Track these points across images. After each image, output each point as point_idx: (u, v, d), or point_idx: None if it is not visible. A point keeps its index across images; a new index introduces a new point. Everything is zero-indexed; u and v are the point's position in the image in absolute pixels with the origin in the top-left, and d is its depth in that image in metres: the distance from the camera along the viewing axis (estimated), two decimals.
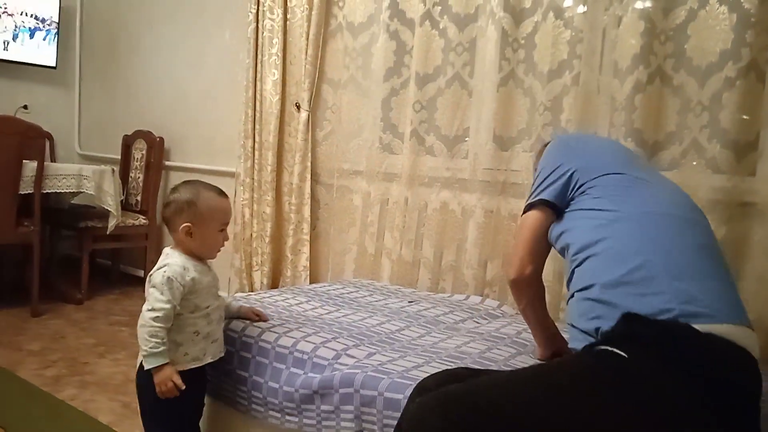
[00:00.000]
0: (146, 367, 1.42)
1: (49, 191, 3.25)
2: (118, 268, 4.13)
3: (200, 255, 1.53)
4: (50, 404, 2.10)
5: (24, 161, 3.06)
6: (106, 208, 3.45)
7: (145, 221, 3.77)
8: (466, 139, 2.54)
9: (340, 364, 1.52)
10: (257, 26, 3.12)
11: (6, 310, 3.19)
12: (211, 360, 1.56)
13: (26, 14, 4.11)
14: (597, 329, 1.14)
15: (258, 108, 3.14)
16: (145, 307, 1.44)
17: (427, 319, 1.95)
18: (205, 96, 3.70)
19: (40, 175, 3.12)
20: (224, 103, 3.56)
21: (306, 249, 3.02)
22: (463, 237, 2.50)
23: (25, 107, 4.14)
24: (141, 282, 3.88)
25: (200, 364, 1.53)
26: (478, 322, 1.99)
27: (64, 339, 2.80)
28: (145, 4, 4.04)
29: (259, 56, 3.13)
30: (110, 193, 3.44)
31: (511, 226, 2.38)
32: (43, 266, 3.43)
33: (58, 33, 4.25)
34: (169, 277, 1.43)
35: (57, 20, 4.23)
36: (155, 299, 1.43)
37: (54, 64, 4.29)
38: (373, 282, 2.60)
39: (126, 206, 3.84)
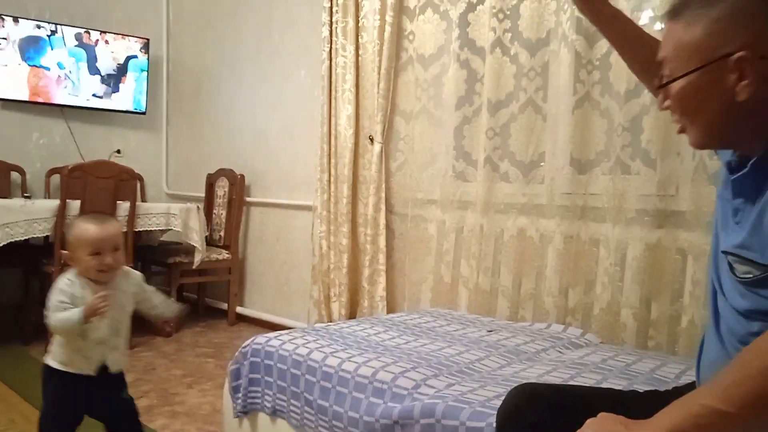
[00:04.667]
0: (77, 316, 1.58)
1: (140, 229, 3.45)
2: (204, 302, 4.30)
3: (88, 276, 1.67)
4: None
5: (118, 202, 3.26)
6: (192, 243, 3.61)
7: (228, 256, 3.91)
8: (542, 164, 2.50)
9: (420, 393, 1.51)
10: (330, 64, 3.22)
11: None
12: (77, 372, 1.65)
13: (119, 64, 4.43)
14: None
15: (333, 142, 3.22)
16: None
17: (508, 348, 1.91)
18: (283, 133, 3.84)
19: (132, 215, 3.31)
20: (301, 139, 3.67)
21: (382, 279, 3.03)
22: (542, 264, 2.44)
23: (119, 151, 4.43)
24: (225, 315, 4.02)
25: (64, 369, 1.64)
26: (561, 351, 1.93)
27: (154, 370, 2.92)
28: (227, 49, 4.27)
29: (333, 92, 3.22)
30: (196, 229, 3.61)
31: (592, 251, 2.30)
32: None
33: (147, 81, 4.55)
34: (58, 287, 1.64)
35: (146, 69, 4.53)
36: (53, 300, 1.62)
37: (144, 110, 4.59)
38: (451, 311, 2.57)
39: (210, 242, 4.01)
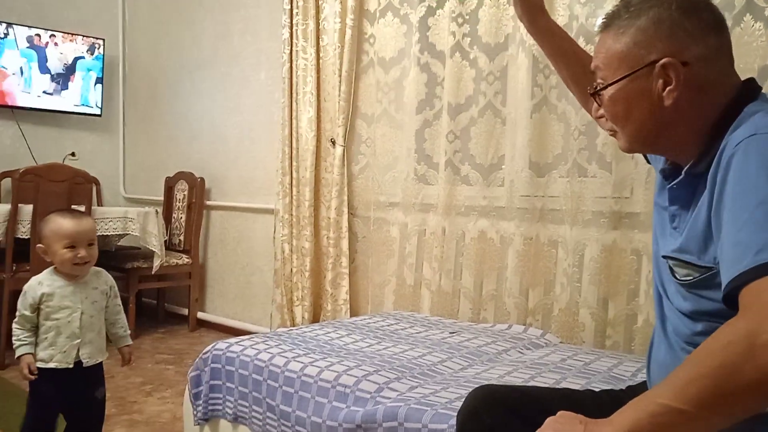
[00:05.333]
0: (17, 353, 1.70)
1: (97, 234, 3.35)
2: (164, 307, 4.21)
3: (62, 270, 1.74)
4: None
5: (73, 206, 3.17)
6: (150, 248, 3.54)
7: (188, 260, 3.85)
8: (502, 166, 2.54)
9: (383, 397, 1.51)
10: (291, 66, 3.21)
11: None
12: (56, 366, 1.72)
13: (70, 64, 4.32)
14: None
15: (294, 145, 3.21)
16: None
17: (470, 350, 1.93)
18: (243, 136, 3.80)
19: None
20: (262, 142, 3.64)
21: (345, 282, 3.03)
22: (502, 265, 2.47)
23: (73, 154, 4.31)
24: (185, 320, 3.95)
25: (44, 366, 1.71)
26: (521, 352, 1.96)
27: (112, 378, 2.85)
28: (184, 52, 4.20)
29: (294, 95, 3.21)
30: (154, 233, 3.53)
31: (551, 252, 2.35)
32: None
33: (102, 82, 4.44)
34: (24, 290, 1.73)
35: (99, 69, 4.42)
36: (18, 306, 1.73)
37: (99, 113, 4.47)
38: (414, 314, 2.59)
39: (169, 246, 3.93)
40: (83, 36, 4.34)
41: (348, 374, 1.63)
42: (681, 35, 0.92)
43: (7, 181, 3.93)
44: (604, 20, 1.00)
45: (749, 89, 0.94)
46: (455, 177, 2.64)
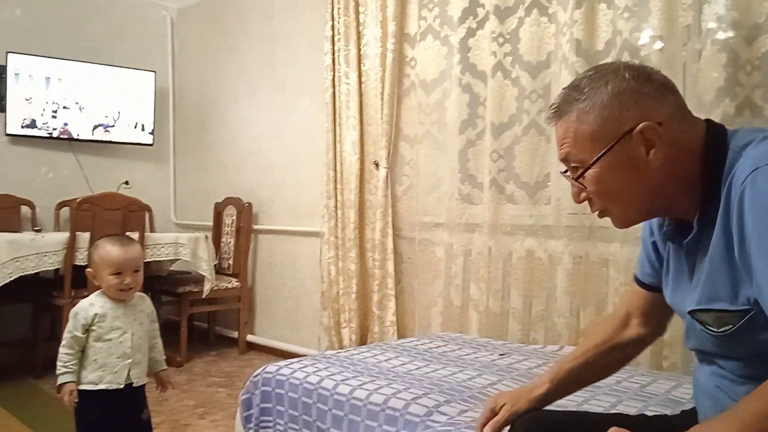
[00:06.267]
0: (59, 380, 1.75)
1: (149, 260, 3.46)
2: (214, 330, 4.29)
3: (109, 294, 1.81)
4: None
5: (127, 233, 3.28)
6: (201, 273, 3.62)
7: (237, 284, 3.92)
8: (548, 184, 2.51)
9: (433, 421, 1.50)
10: (334, 91, 3.26)
11: None
12: (107, 387, 1.77)
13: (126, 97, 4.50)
14: None
15: (338, 168, 3.25)
16: None
17: (521, 372, 1.89)
18: (288, 161, 3.87)
19: (141, 245, 3.33)
20: (306, 166, 3.70)
21: (392, 304, 3.03)
22: (552, 285, 2.43)
23: (127, 183, 4.47)
24: (236, 343, 4.01)
25: (95, 388, 1.76)
26: None
27: (166, 401, 2.91)
28: (231, 81, 4.32)
29: (337, 119, 3.26)
30: (204, 258, 3.62)
31: (601, 271, 2.29)
32: None
33: (154, 113, 4.61)
34: (75, 311, 1.78)
35: (152, 101, 4.60)
36: (66, 328, 1.79)
37: (151, 142, 4.63)
38: (461, 335, 2.56)
39: (219, 270, 4.02)
40: (136, 69, 4.52)
41: (397, 397, 1.62)
42: (645, 99, 0.93)
43: (65, 211, 4.11)
44: (554, 109, 1.00)
45: (713, 127, 0.95)
46: (500, 196, 2.62)
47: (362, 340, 3.16)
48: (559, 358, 2.08)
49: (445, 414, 1.52)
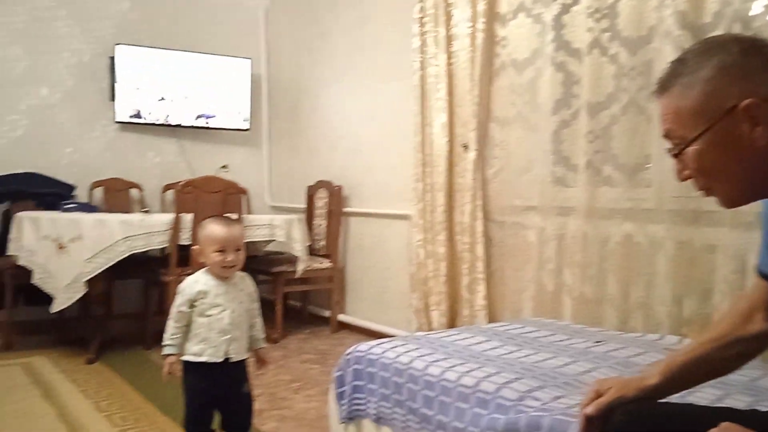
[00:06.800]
0: (165, 351, 1.88)
1: (246, 240, 3.62)
2: (307, 309, 4.44)
3: (213, 272, 1.91)
4: None
5: (226, 215, 3.44)
6: (294, 253, 3.75)
7: (329, 265, 4.03)
8: (647, 166, 2.39)
9: (525, 405, 1.49)
10: (423, 74, 3.25)
11: None
12: (207, 360, 1.86)
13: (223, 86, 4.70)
14: None
15: (427, 151, 3.25)
16: None
17: (618, 360, 1.83)
18: (377, 144, 3.91)
19: None
20: (396, 149, 3.72)
21: (482, 288, 3.00)
22: (652, 271, 2.32)
23: (225, 167, 4.68)
24: (328, 322, 4.13)
25: (197, 359, 1.86)
26: None
27: (264, 375, 3.05)
28: (321, 66, 4.41)
29: (426, 102, 3.25)
30: (298, 239, 3.74)
31: (708, 258, 2.17)
32: None
33: (250, 99, 4.79)
34: (182, 287, 1.90)
35: (249, 87, 4.77)
36: (174, 303, 1.90)
37: (247, 128, 4.82)
38: (555, 321, 2.51)
39: (311, 251, 4.14)
40: (233, 57, 4.71)
41: (488, 380, 1.62)
42: (752, 74, 0.89)
43: (170, 193, 4.36)
44: (659, 84, 0.97)
45: None
46: (596, 178, 2.53)
47: (451, 323, 3.17)
48: (660, 347, 2.00)
49: (538, 399, 1.50)
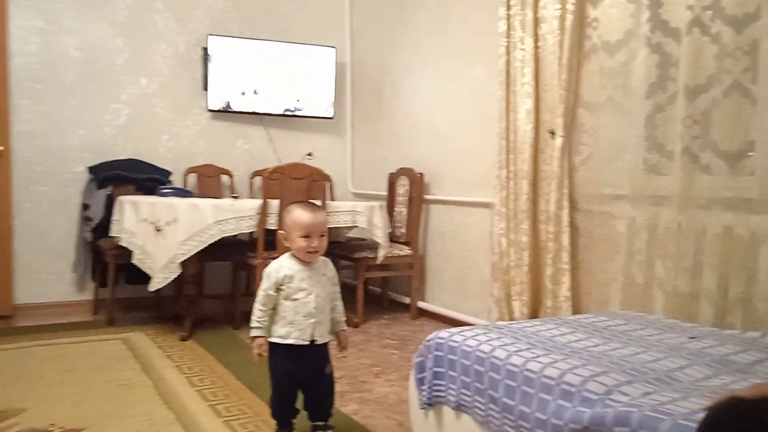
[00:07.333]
0: (252, 333, 1.96)
1: (329, 226, 3.69)
2: (387, 295, 4.49)
3: (297, 256, 1.97)
4: (337, 418, 2.35)
5: (310, 200, 3.53)
6: (376, 240, 3.79)
7: (409, 252, 4.04)
8: (750, 153, 2.24)
9: (613, 400, 1.44)
10: (508, 58, 3.18)
11: None
12: (293, 342, 1.94)
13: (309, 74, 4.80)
14: None
15: (511, 138, 3.18)
16: None
17: (714, 357, 1.74)
18: (459, 131, 3.87)
19: None
20: (478, 136, 3.68)
21: (566, 279, 2.92)
22: (754, 266, 2.18)
23: (310, 154, 4.79)
24: (407, 308, 4.16)
25: (283, 342, 1.94)
26: None
27: (345, 359, 3.12)
28: (405, 53, 4.40)
29: (511, 87, 3.18)
30: (379, 226, 3.78)
31: None
32: None
33: (334, 87, 4.86)
34: (268, 271, 1.97)
35: (333, 76, 4.85)
36: (260, 287, 1.97)
37: (331, 115, 4.90)
38: (644, 315, 2.40)
39: (392, 238, 4.17)
40: (318, 46, 4.79)
41: (573, 373, 1.57)
42: None
43: (258, 179, 4.52)
44: None
45: None
46: (693, 166, 2.39)
47: (533, 314, 3.11)
48: (762, 346, 1.87)
49: (626, 394, 1.44)
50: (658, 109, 2.57)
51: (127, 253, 3.54)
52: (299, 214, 1.97)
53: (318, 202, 3.50)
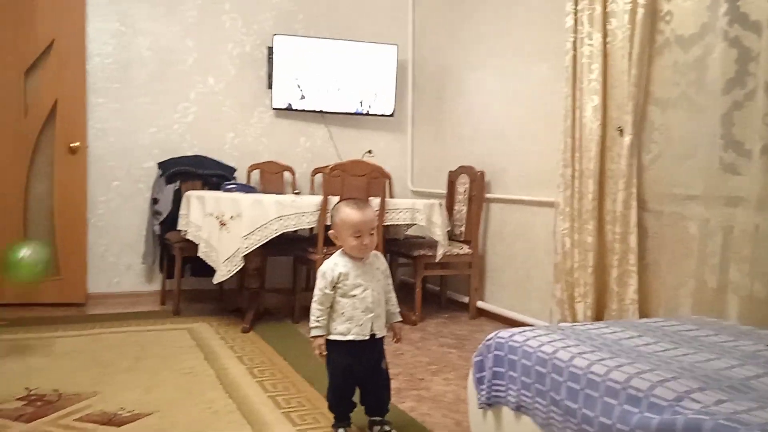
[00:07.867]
0: (312, 334, 1.97)
1: (388, 224, 3.70)
2: (446, 294, 4.46)
3: (349, 254, 1.97)
4: (394, 414, 2.35)
5: (370, 198, 3.55)
6: (434, 238, 3.77)
7: (469, 250, 4.00)
8: None
9: (683, 407, 1.37)
10: (575, 54, 3.10)
11: None
12: (354, 338, 1.94)
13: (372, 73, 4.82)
14: None
15: (577, 136, 3.10)
16: None
17: None
18: (522, 129, 3.80)
19: (382, 210, 3.57)
20: (541, 134, 3.60)
21: (633, 281, 2.82)
22: None
23: (370, 152, 4.82)
24: (466, 308, 4.12)
25: (343, 338, 1.94)
26: None
27: (402, 356, 3.12)
28: (467, 50, 4.36)
29: (578, 84, 3.10)
30: (438, 224, 3.76)
31: None
32: None
33: (396, 85, 4.87)
34: (323, 271, 1.97)
35: (395, 74, 4.85)
36: (316, 286, 1.97)
37: (392, 113, 4.91)
38: (718, 320, 2.29)
39: (451, 236, 4.14)
40: (380, 44, 4.81)
41: (641, 377, 1.51)
42: None
43: (319, 176, 4.58)
44: None
45: None
46: None
47: (598, 317, 3.02)
48: None
49: (698, 402, 1.38)
50: (736, 106, 2.44)
51: (193, 246, 3.66)
52: (348, 213, 1.97)
53: (375, 200, 3.52)
